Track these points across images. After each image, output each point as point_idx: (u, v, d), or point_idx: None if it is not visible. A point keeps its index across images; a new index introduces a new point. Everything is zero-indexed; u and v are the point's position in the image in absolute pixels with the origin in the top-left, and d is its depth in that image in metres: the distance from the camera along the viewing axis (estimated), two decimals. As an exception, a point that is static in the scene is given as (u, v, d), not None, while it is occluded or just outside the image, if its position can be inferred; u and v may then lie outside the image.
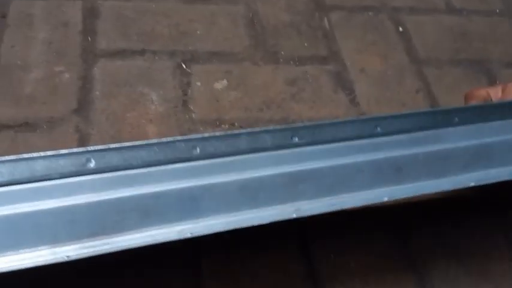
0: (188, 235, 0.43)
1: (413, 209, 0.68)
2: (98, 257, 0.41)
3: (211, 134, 0.47)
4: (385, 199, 0.48)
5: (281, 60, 0.86)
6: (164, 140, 0.46)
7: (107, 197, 0.43)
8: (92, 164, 0.43)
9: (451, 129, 0.54)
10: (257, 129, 0.49)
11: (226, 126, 0.73)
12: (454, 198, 0.69)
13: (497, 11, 1.04)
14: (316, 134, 0.51)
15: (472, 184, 0.52)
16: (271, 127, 0.49)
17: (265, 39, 0.88)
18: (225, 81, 0.79)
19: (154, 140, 0.46)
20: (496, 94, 0.65)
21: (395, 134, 0.52)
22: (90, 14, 0.84)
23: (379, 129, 0.52)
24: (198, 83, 0.78)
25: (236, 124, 0.74)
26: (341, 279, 0.61)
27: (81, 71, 0.76)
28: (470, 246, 0.67)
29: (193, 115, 0.74)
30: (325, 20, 0.94)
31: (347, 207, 0.48)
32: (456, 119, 0.55)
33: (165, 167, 0.46)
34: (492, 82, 0.89)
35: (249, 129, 0.49)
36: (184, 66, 0.80)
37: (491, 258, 0.66)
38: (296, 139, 0.50)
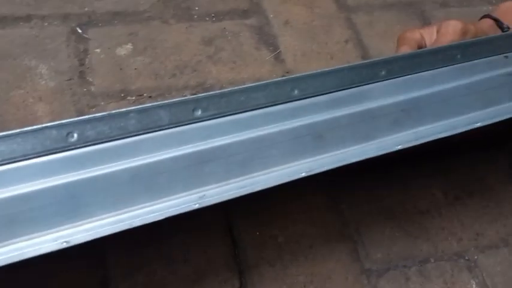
0: (64, 245, 0.35)
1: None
2: None
3: (91, 116, 0.39)
4: (303, 174, 0.41)
5: (195, 16, 0.77)
6: (28, 128, 0.37)
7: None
8: None
9: (377, 84, 0.48)
10: (148, 105, 0.41)
11: (133, 98, 0.64)
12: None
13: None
14: (222, 104, 0.43)
15: (399, 147, 0.45)
16: (166, 101, 0.41)
17: (177, -7, 0.78)
18: (129, 46, 0.69)
19: (16, 130, 0.37)
20: (430, 36, 0.60)
21: (314, 95, 0.45)
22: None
23: (296, 91, 0.45)
24: (98, 50, 0.68)
25: (145, 95, 0.65)
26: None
27: (-46, 44, 0.65)
28: (407, 205, 0.61)
29: (93, 88, 0.64)
30: (244, -32, 0.85)
31: (259, 188, 0.40)
32: (383, 72, 0.48)
33: (35, 160, 0.37)
34: (427, 24, 0.83)
35: (139, 106, 0.41)
36: (80, 31, 0.69)
37: (429, 216, 0.61)
38: (199, 112, 0.42)
